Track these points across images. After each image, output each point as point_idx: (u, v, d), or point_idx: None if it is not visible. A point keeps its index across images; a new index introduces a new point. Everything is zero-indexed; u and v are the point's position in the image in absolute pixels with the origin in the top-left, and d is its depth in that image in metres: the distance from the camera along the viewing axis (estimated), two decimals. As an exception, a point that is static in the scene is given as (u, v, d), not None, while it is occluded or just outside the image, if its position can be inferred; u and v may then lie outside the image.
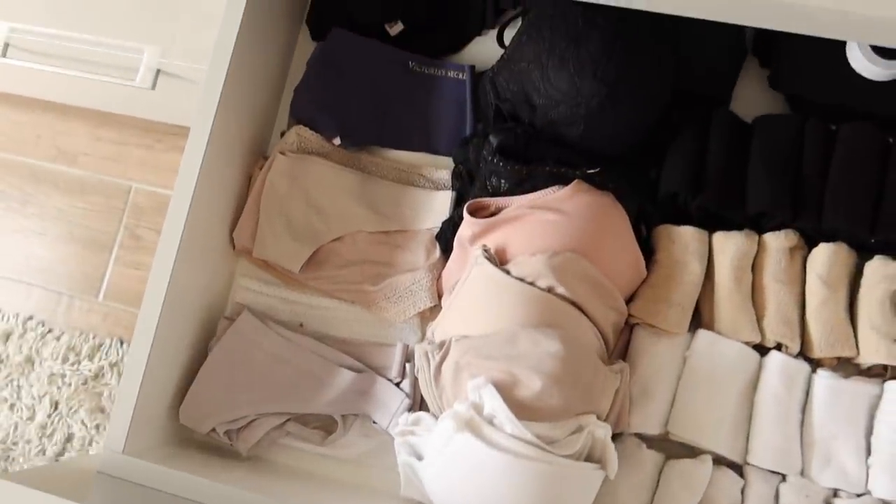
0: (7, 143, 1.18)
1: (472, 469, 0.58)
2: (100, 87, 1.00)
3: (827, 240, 0.66)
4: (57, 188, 1.16)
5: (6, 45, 1.00)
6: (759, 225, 0.68)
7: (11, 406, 1.08)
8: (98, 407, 1.05)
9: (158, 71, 0.94)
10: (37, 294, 1.13)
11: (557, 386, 0.58)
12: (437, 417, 0.63)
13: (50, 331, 1.12)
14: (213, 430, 0.71)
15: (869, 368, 0.66)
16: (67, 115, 1.17)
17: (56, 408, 1.08)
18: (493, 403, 0.58)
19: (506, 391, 0.58)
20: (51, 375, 1.09)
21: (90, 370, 1.08)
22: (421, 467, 0.62)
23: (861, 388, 0.64)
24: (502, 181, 0.67)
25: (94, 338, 1.10)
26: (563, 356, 0.59)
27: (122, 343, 1.07)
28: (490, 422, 0.58)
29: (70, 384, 1.08)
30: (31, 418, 1.08)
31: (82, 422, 1.05)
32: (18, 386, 1.09)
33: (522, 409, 0.58)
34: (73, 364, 1.09)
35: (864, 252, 0.67)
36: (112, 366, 1.07)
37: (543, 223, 0.64)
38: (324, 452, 0.72)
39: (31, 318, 1.13)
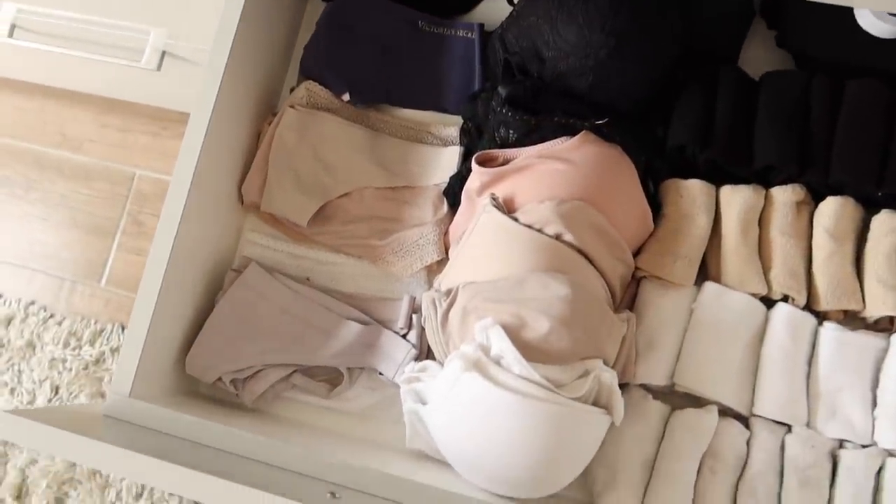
0: (13, 129, 1.19)
1: (479, 409, 0.57)
2: (105, 72, 1.01)
3: (834, 194, 0.67)
4: (61, 174, 1.16)
5: (13, 27, 1.02)
6: (767, 179, 0.68)
7: (12, 390, 1.08)
8: (99, 392, 1.05)
9: (164, 52, 0.96)
10: (39, 279, 1.14)
11: (565, 328, 0.58)
12: (443, 365, 0.63)
13: (52, 316, 1.12)
14: (220, 379, 0.70)
15: (875, 322, 0.66)
16: (73, 102, 1.18)
17: (57, 392, 1.08)
18: (501, 344, 0.58)
19: (513, 333, 0.58)
20: (52, 360, 1.09)
21: (91, 355, 1.08)
22: (427, 412, 0.62)
23: (867, 341, 0.64)
24: (511, 132, 0.67)
25: (95, 323, 1.10)
26: (572, 299, 0.59)
27: (123, 329, 1.07)
28: (497, 363, 0.58)
29: (71, 369, 1.07)
30: (32, 402, 1.07)
31: (83, 407, 1.05)
32: (19, 370, 1.09)
33: (530, 352, 0.58)
34: (74, 349, 1.09)
35: (870, 206, 0.67)
36: (113, 351, 1.07)
37: (551, 172, 0.65)
38: (329, 405, 0.72)
39: (33, 302, 1.13)
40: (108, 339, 1.08)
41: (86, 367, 1.08)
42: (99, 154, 1.17)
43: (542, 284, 0.60)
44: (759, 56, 0.73)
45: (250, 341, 0.71)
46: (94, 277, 1.13)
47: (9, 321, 1.13)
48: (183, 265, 0.69)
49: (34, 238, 1.14)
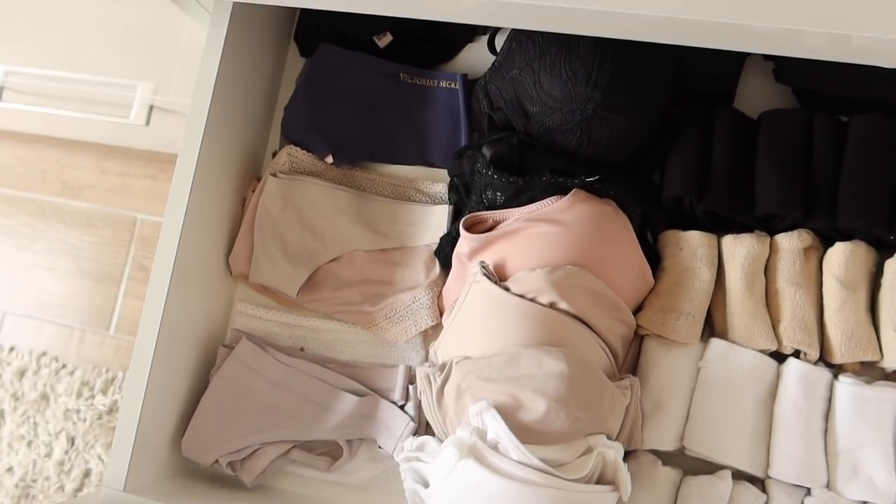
0: (14, 179, 1.20)
1: (478, 497, 0.55)
2: (97, 126, 1.01)
3: (843, 238, 0.63)
4: (64, 222, 1.17)
5: (1, 89, 1.02)
6: (770, 226, 0.65)
7: (29, 443, 1.09)
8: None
9: (152, 107, 0.95)
10: (49, 329, 1.14)
11: (563, 407, 0.56)
12: (441, 441, 0.61)
13: (63, 366, 1.13)
14: (217, 461, 0.69)
15: (895, 372, 0.63)
16: (72, 149, 1.18)
17: (73, 443, 1.08)
18: (497, 428, 0.55)
19: (509, 415, 0.56)
20: (66, 411, 1.09)
21: (104, 405, 1.08)
22: (426, 496, 0.59)
23: (887, 394, 0.61)
24: (498, 194, 0.64)
25: (106, 371, 1.11)
26: (568, 376, 0.56)
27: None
28: (494, 447, 0.56)
29: (85, 419, 1.08)
30: (49, 455, 1.08)
31: (99, 457, 1.05)
32: (35, 423, 1.10)
33: (527, 433, 0.55)
34: (87, 399, 1.09)
35: (882, 248, 0.63)
36: (126, 399, 1.07)
37: (542, 236, 0.62)
38: (330, 479, 0.70)
39: (44, 353, 1.14)
40: (119, 388, 1.08)
41: (100, 417, 1.08)
42: (100, 200, 1.17)
43: (536, 361, 0.57)
44: (758, 91, 0.69)
45: (246, 419, 0.69)
46: (102, 325, 1.13)
47: (22, 374, 1.13)
48: (173, 342, 0.68)
49: (42, 288, 1.15)
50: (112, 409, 1.08)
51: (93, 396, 1.09)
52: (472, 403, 0.58)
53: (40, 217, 1.18)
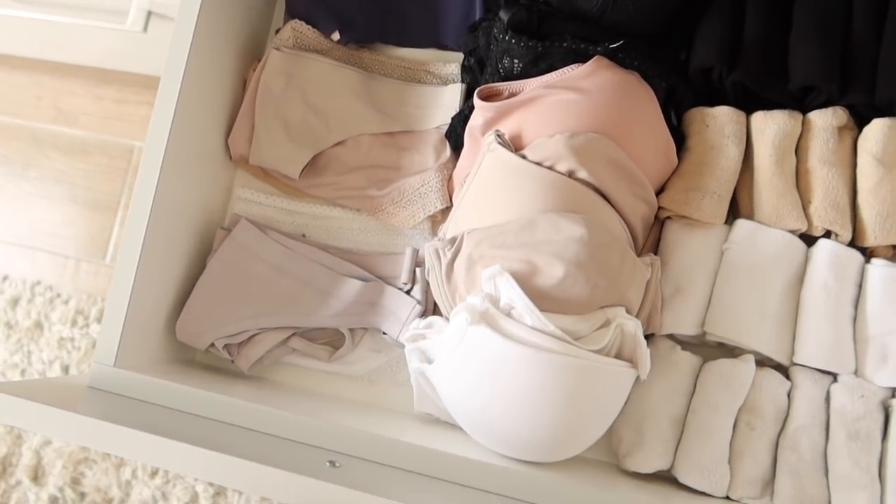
0: (7, 105, 1.16)
1: (489, 366, 0.52)
2: (93, 39, 0.97)
3: (879, 115, 0.59)
4: (59, 150, 1.14)
5: (-5, -5, 0.99)
6: (803, 104, 0.61)
7: (22, 371, 1.07)
8: (108, 369, 1.03)
9: (150, 13, 0.91)
10: (43, 258, 1.12)
11: (582, 273, 0.52)
12: (449, 320, 0.58)
13: (58, 295, 1.10)
14: (213, 345, 0.66)
15: (929, 257, 0.59)
16: (67, 75, 1.15)
17: (67, 372, 1.06)
18: (511, 293, 0.52)
19: (524, 280, 0.53)
20: (60, 340, 1.07)
21: (99, 333, 1.06)
22: (433, 371, 0.56)
23: (922, 278, 0.57)
24: (515, 61, 0.61)
25: (102, 301, 1.08)
26: (588, 241, 0.53)
27: (130, 306, 1.05)
28: (507, 314, 0.52)
29: (80, 348, 1.06)
30: (42, 383, 1.06)
31: (93, 385, 1.03)
32: (28, 351, 1.08)
33: (543, 300, 0.52)
34: (82, 328, 1.07)
35: (923, 127, 0.60)
36: (121, 328, 1.05)
37: (561, 104, 0.58)
38: (331, 369, 0.67)
39: (38, 282, 1.12)
40: (115, 317, 1.06)
41: (94, 346, 1.06)
42: (95, 127, 1.14)
43: (554, 226, 0.54)
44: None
45: (244, 303, 0.66)
46: (98, 254, 1.10)
47: (15, 302, 1.11)
48: (167, 227, 0.64)
49: (36, 217, 1.12)
50: (107, 338, 1.06)
51: (87, 325, 1.07)
52: (484, 272, 0.54)
53: (33, 145, 1.15)
